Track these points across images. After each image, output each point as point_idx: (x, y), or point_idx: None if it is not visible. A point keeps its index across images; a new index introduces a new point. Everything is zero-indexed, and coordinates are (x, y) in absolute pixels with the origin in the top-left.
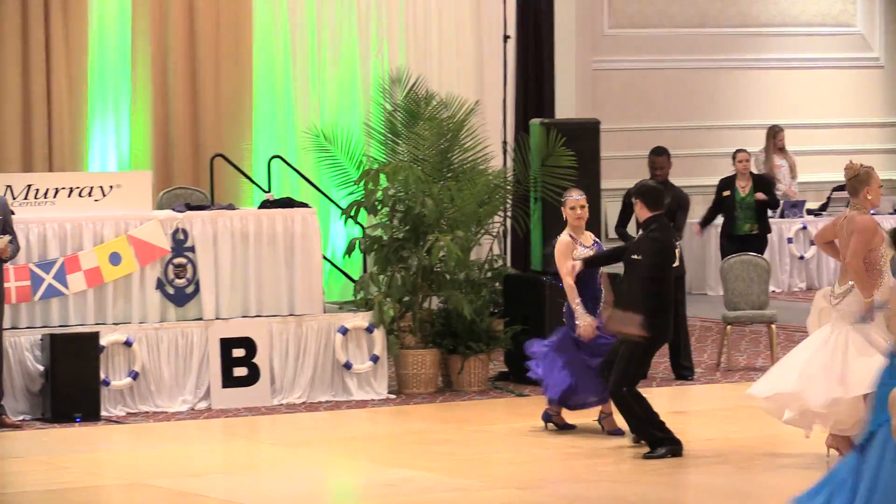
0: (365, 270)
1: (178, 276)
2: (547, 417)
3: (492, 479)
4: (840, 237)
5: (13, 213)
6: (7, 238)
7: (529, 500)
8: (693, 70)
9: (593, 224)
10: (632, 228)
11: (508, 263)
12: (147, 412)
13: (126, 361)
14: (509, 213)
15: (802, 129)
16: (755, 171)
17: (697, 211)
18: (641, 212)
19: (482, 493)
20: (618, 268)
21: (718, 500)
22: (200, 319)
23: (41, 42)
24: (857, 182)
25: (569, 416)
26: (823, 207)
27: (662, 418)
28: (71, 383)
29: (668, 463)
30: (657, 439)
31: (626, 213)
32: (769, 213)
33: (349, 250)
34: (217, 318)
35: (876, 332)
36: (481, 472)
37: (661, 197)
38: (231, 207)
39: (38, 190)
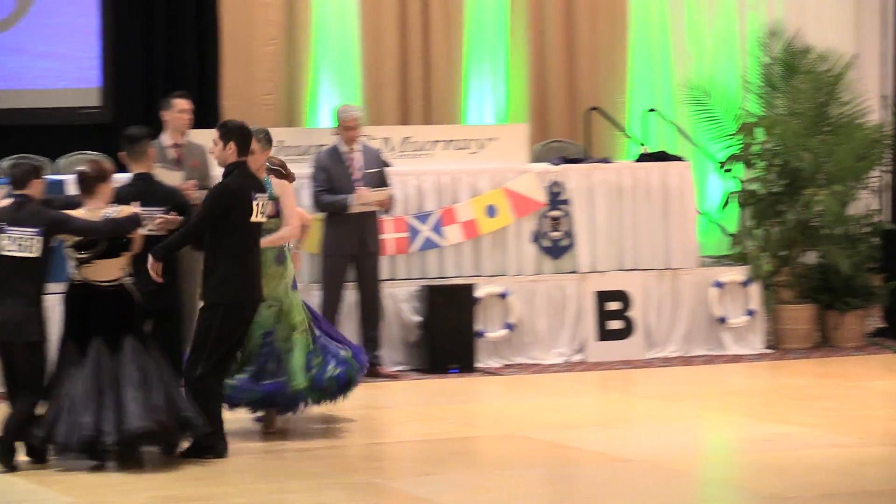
0: (741, 224)
1: (553, 229)
2: None
3: (870, 435)
4: None
5: (388, 166)
6: (390, 191)
7: None
8: None
9: None
10: None
11: (887, 218)
12: (522, 364)
13: (501, 313)
14: (888, 168)
15: None
16: None
17: None
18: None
19: (860, 450)
20: None
21: None
22: (575, 272)
23: None
24: None
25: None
26: None
27: None
28: (447, 335)
29: None
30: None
31: None
32: None
33: (725, 204)
34: (592, 271)
35: None
36: (860, 429)
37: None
38: (606, 161)
39: (415, 142)
